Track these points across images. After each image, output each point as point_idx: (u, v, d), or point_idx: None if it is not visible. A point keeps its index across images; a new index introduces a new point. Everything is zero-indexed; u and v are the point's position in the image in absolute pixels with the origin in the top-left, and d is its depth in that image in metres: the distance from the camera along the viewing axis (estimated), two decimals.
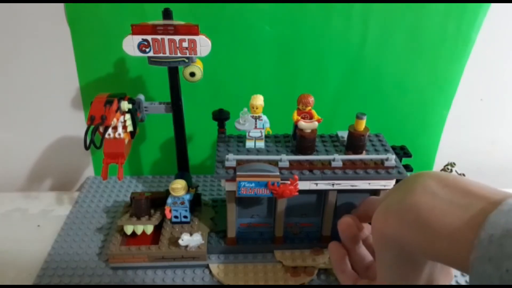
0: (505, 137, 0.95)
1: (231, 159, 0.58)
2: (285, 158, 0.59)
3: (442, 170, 0.65)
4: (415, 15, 0.75)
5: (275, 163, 0.59)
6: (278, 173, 0.57)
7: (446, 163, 0.65)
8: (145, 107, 0.67)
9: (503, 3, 0.76)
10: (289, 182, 0.56)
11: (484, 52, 0.81)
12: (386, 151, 0.64)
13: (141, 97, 0.67)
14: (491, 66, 0.84)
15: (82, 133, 0.85)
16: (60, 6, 0.73)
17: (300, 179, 0.57)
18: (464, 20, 0.76)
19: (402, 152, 0.69)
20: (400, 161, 0.64)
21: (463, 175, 0.63)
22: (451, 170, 0.63)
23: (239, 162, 0.59)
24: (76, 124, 0.86)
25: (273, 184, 0.56)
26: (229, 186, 0.59)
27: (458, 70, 0.82)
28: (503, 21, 0.78)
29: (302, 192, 0.58)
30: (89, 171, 0.93)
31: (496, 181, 0.90)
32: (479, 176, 0.87)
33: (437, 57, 0.80)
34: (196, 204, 0.72)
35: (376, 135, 0.68)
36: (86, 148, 0.55)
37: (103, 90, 0.63)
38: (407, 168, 0.65)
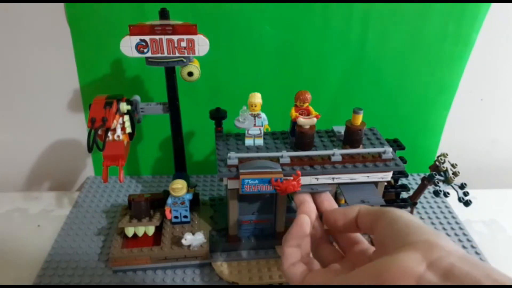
0: (505, 137, 0.95)
1: (233, 157, 0.58)
2: (286, 155, 0.60)
3: (435, 161, 0.67)
4: (415, 15, 0.75)
5: (276, 159, 0.60)
6: (280, 169, 0.58)
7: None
8: (142, 108, 0.66)
9: (503, 3, 0.76)
10: (291, 177, 0.57)
11: (484, 52, 0.81)
12: (382, 144, 0.65)
13: (137, 98, 0.66)
14: (491, 66, 0.84)
15: (82, 133, 0.86)
16: (60, 6, 0.72)
17: (302, 174, 0.58)
18: (464, 20, 0.76)
19: (395, 145, 0.71)
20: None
21: (455, 165, 0.65)
22: (444, 161, 0.65)
23: (240, 160, 0.59)
24: (76, 124, 0.85)
25: (276, 180, 0.56)
26: (231, 184, 0.60)
27: (458, 70, 0.82)
28: (503, 21, 0.78)
29: (302, 187, 0.59)
30: (89, 171, 0.92)
31: (496, 181, 0.94)
32: (479, 176, 0.91)
33: (437, 57, 0.80)
34: (194, 203, 0.72)
35: (370, 129, 0.70)
36: (89, 151, 0.54)
37: (104, 90, 0.62)
38: (402, 160, 0.67)
